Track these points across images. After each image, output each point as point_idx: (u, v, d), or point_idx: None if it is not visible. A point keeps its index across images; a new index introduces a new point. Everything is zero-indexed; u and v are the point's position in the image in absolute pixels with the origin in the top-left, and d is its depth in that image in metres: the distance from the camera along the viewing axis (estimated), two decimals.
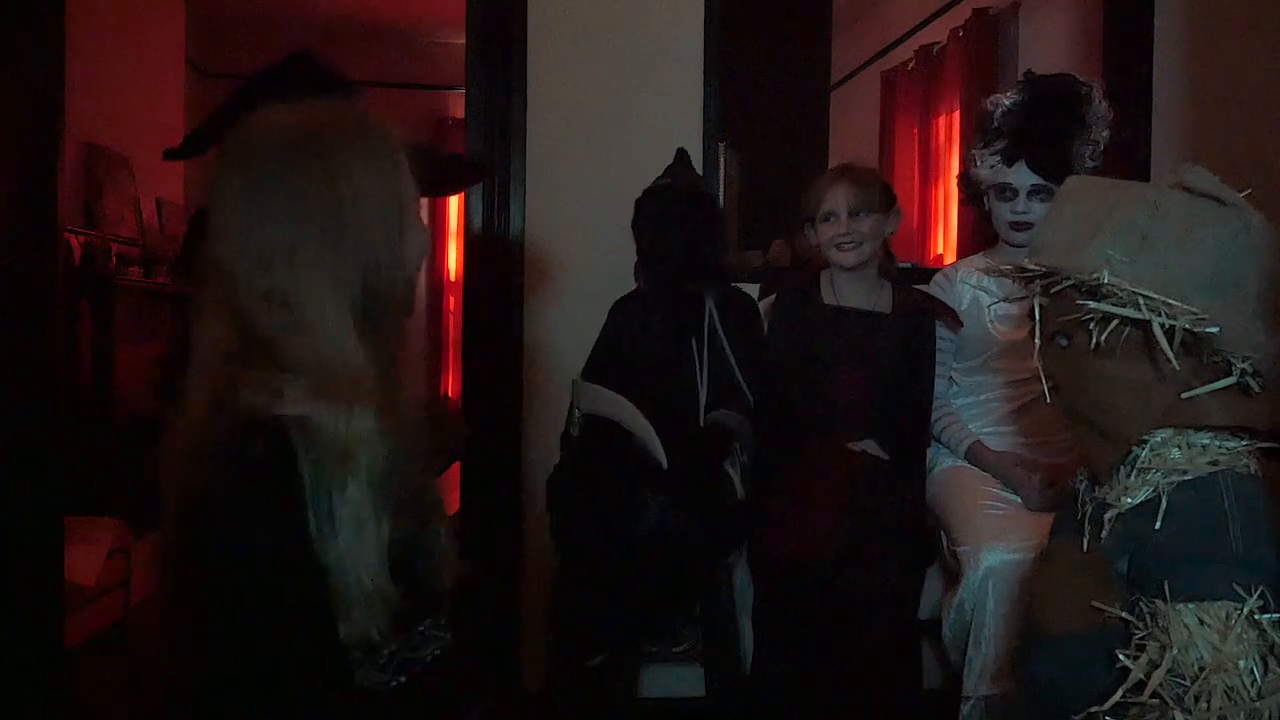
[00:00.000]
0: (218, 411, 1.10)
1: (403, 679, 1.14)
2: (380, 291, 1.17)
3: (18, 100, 2.23)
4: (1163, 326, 1.29)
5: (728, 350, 2.40)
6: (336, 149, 1.15)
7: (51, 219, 2.33)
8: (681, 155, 2.52)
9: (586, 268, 2.72)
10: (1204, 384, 1.33)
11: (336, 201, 1.13)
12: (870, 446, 2.36)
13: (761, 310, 2.53)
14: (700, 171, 2.77)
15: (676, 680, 2.71)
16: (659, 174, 2.48)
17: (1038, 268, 1.42)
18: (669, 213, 2.40)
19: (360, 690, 1.13)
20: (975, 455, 2.41)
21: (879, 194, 2.41)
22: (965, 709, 2.11)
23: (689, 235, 2.39)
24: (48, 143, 2.30)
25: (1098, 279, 1.33)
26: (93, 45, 3.47)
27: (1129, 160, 2.82)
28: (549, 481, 2.37)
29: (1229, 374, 1.33)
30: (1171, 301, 1.29)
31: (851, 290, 2.45)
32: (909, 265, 3.29)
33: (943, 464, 2.47)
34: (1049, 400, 1.49)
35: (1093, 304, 1.33)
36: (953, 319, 2.45)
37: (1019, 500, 2.30)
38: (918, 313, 2.45)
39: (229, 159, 1.17)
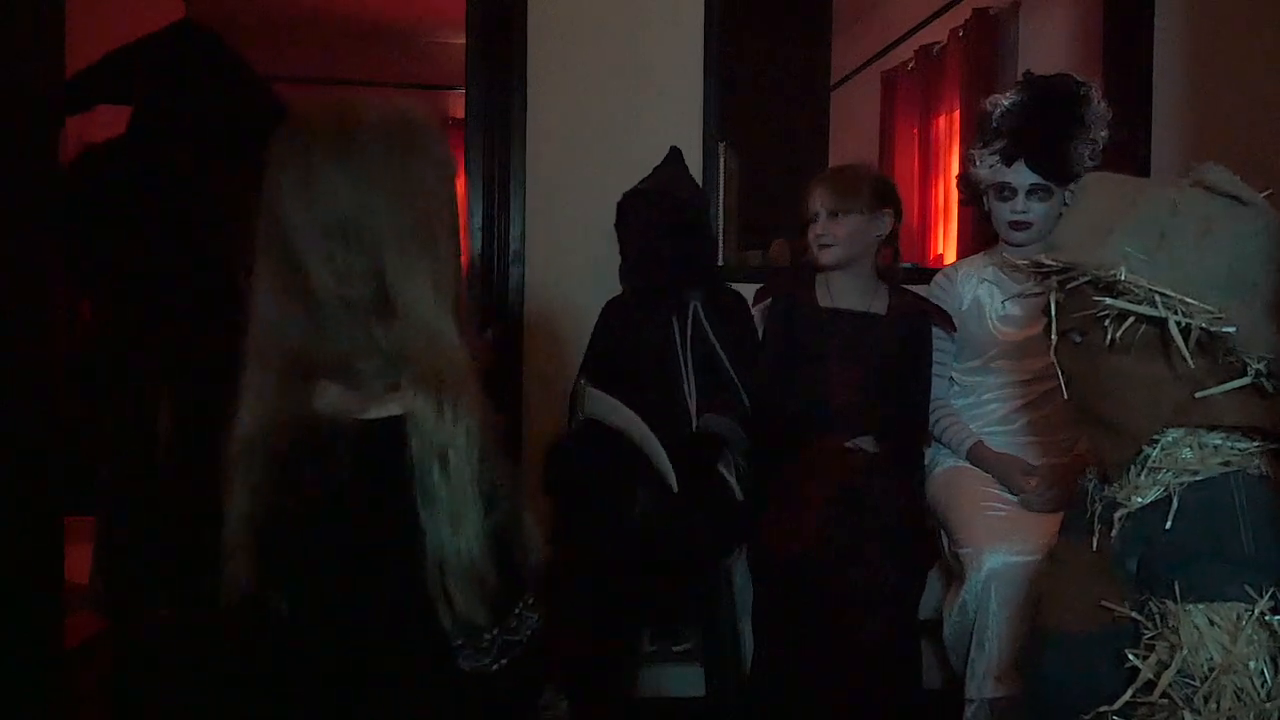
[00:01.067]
0: (289, 420, 1.12)
1: (504, 661, 1.16)
2: (462, 288, 1.20)
3: (18, 100, 2.23)
4: (1179, 325, 1.29)
5: (718, 349, 2.40)
6: (429, 138, 1.18)
7: (52, 217, 2.32)
8: (673, 154, 2.52)
9: (586, 267, 2.71)
10: (1218, 383, 1.33)
11: (436, 187, 1.16)
12: (866, 443, 2.36)
13: (757, 314, 2.54)
14: (700, 171, 2.77)
15: (676, 680, 2.70)
16: (666, 174, 2.48)
17: (1054, 263, 1.42)
18: (646, 215, 2.40)
19: (462, 676, 1.16)
20: (976, 455, 2.41)
21: (865, 195, 2.41)
22: (969, 711, 2.11)
23: (667, 236, 2.40)
24: (48, 143, 2.30)
25: (1114, 275, 1.33)
26: (93, 45, 3.46)
27: (1129, 160, 2.81)
28: (552, 453, 2.37)
29: (1243, 374, 1.33)
30: (1189, 300, 1.29)
31: (845, 292, 2.46)
32: (909, 265, 3.29)
33: (943, 464, 2.48)
34: (1065, 396, 1.49)
35: (1109, 300, 1.33)
36: (947, 322, 2.45)
37: (1020, 501, 2.30)
38: (913, 315, 2.45)
39: (318, 135, 1.14)
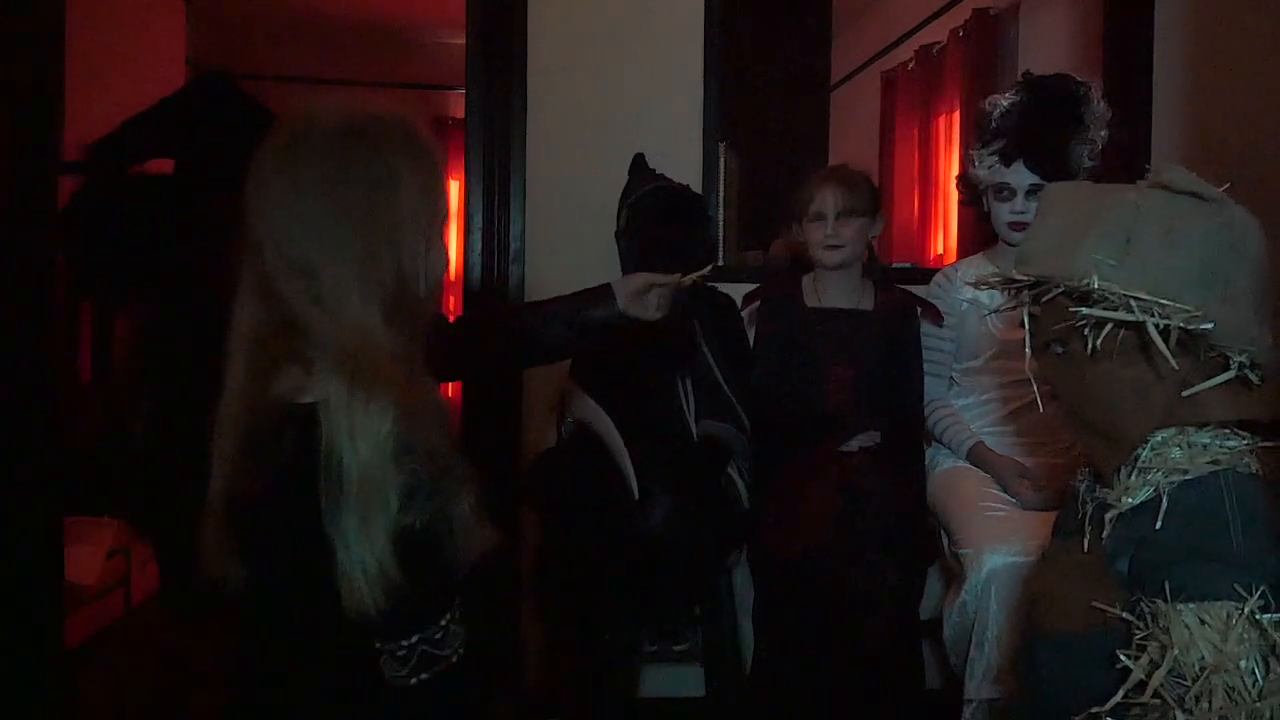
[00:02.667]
0: (253, 403, 1.15)
1: (424, 676, 1.12)
2: (406, 291, 1.19)
3: (17, 100, 2.23)
4: (1157, 327, 1.29)
5: (709, 356, 2.40)
6: (384, 144, 1.19)
7: (51, 219, 2.32)
8: (640, 160, 2.51)
9: (586, 267, 2.70)
10: (1203, 380, 1.33)
11: (378, 193, 1.17)
12: (865, 439, 2.37)
13: (745, 318, 2.55)
14: (700, 171, 2.77)
15: (676, 680, 2.71)
16: (656, 176, 2.48)
17: (1026, 277, 1.42)
18: (669, 210, 2.40)
19: (385, 685, 1.13)
20: (976, 456, 2.41)
21: (866, 197, 2.43)
22: (968, 712, 2.11)
23: (689, 230, 2.40)
24: (48, 143, 2.30)
25: (1088, 284, 1.32)
26: (93, 45, 3.46)
27: (1128, 160, 2.81)
28: (538, 463, 2.37)
29: (1227, 368, 1.33)
30: (1163, 301, 1.29)
31: (835, 291, 2.47)
32: (909, 265, 3.29)
33: (943, 464, 2.48)
34: (1042, 408, 1.50)
35: (1085, 310, 1.33)
36: (934, 314, 2.46)
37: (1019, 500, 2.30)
38: (900, 309, 2.47)
39: (274, 140, 1.19)
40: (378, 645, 1.12)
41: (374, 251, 1.16)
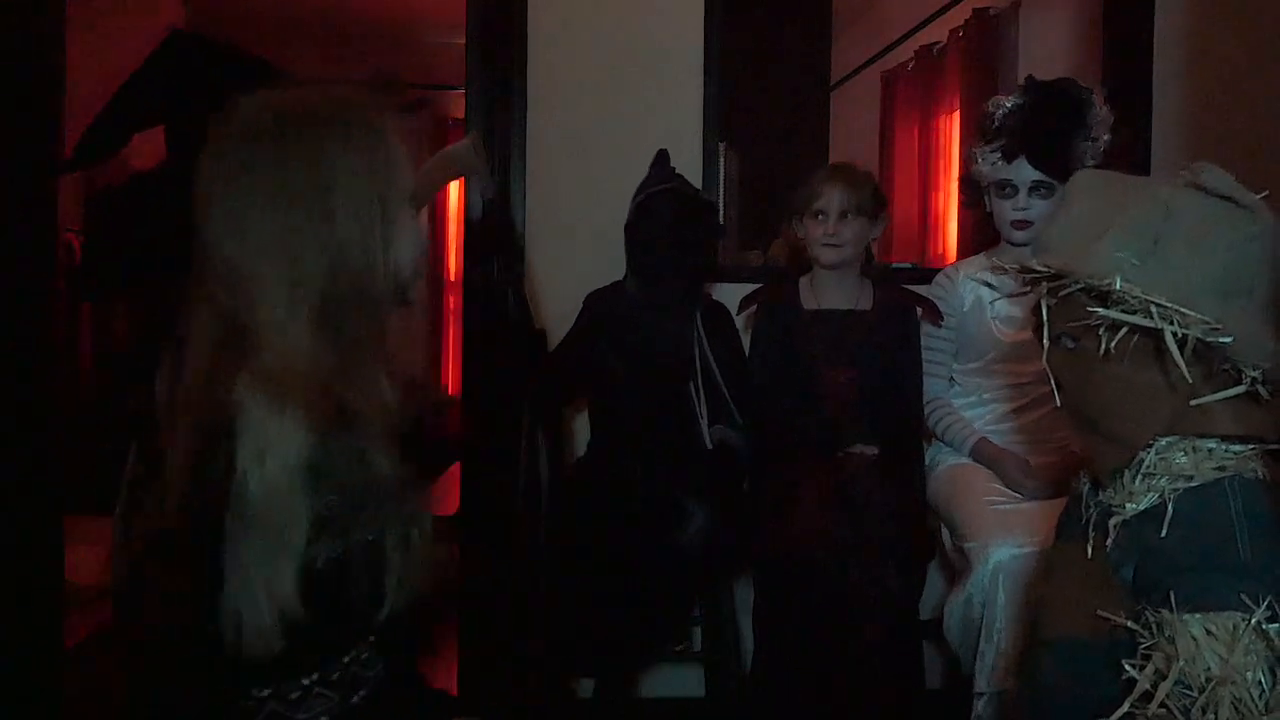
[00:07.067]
0: (199, 417, 1.07)
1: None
2: (350, 284, 1.11)
3: (18, 100, 2.23)
4: (1175, 336, 1.25)
5: (713, 363, 2.40)
6: (313, 132, 1.12)
7: (51, 219, 2.32)
8: (664, 155, 2.51)
9: (586, 267, 2.71)
10: (1214, 391, 1.29)
11: (309, 185, 1.09)
12: (865, 449, 2.37)
13: (741, 322, 2.55)
14: (700, 171, 2.77)
15: (676, 680, 2.71)
16: (673, 176, 2.47)
17: (1045, 269, 1.37)
18: (674, 214, 2.39)
19: None
20: (979, 452, 2.41)
21: (870, 198, 2.43)
22: (979, 705, 2.11)
23: (695, 237, 2.40)
24: (48, 143, 2.30)
25: (1108, 284, 1.28)
26: (93, 45, 3.45)
27: (1129, 160, 2.81)
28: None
29: (1239, 382, 1.29)
30: (1184, 310, 1.24)
31: (832, 292, 2.46)
32: (909, 265, 3.29)
33: (945, 462, 2.47)
34: (1059, 403, 1.44)
35: (1103, 311, 1.29)
36: (934, 312, 2.46)
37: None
38: (899, 308, 2.46)
39: (212, 140, 1.13)
40: (264, 692, 1.04)
41: (301, 251, 1.08)
